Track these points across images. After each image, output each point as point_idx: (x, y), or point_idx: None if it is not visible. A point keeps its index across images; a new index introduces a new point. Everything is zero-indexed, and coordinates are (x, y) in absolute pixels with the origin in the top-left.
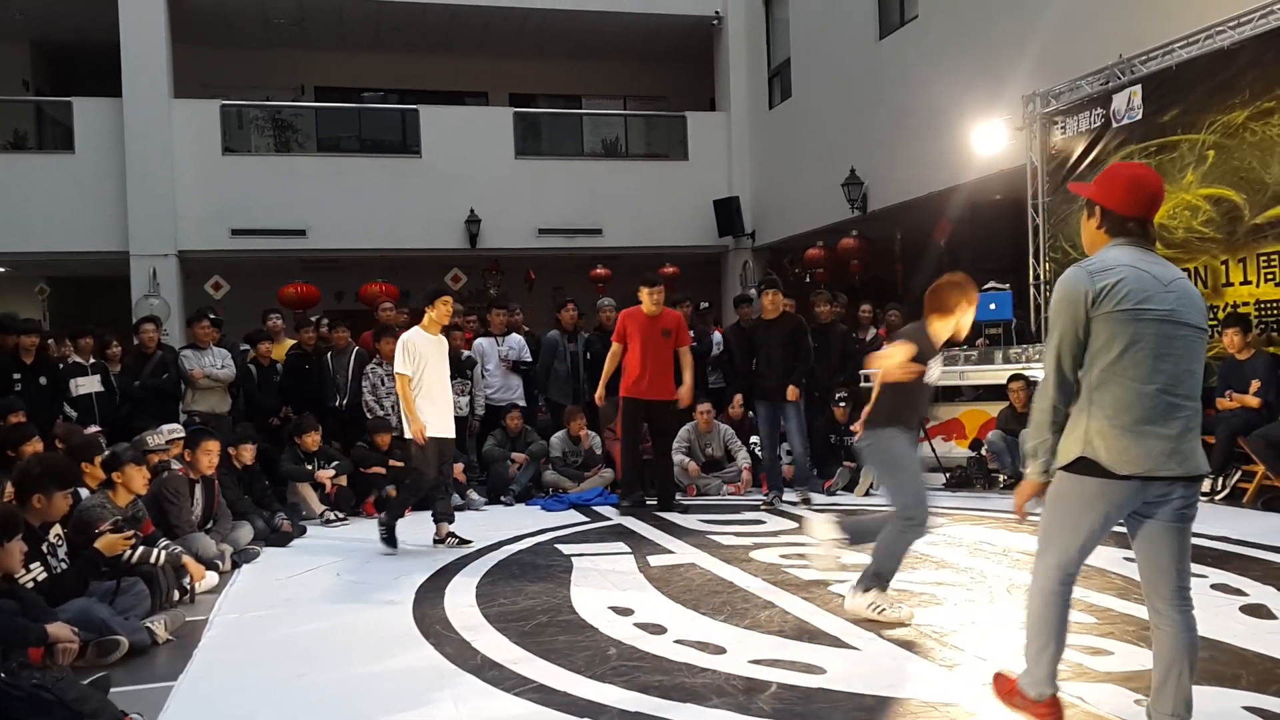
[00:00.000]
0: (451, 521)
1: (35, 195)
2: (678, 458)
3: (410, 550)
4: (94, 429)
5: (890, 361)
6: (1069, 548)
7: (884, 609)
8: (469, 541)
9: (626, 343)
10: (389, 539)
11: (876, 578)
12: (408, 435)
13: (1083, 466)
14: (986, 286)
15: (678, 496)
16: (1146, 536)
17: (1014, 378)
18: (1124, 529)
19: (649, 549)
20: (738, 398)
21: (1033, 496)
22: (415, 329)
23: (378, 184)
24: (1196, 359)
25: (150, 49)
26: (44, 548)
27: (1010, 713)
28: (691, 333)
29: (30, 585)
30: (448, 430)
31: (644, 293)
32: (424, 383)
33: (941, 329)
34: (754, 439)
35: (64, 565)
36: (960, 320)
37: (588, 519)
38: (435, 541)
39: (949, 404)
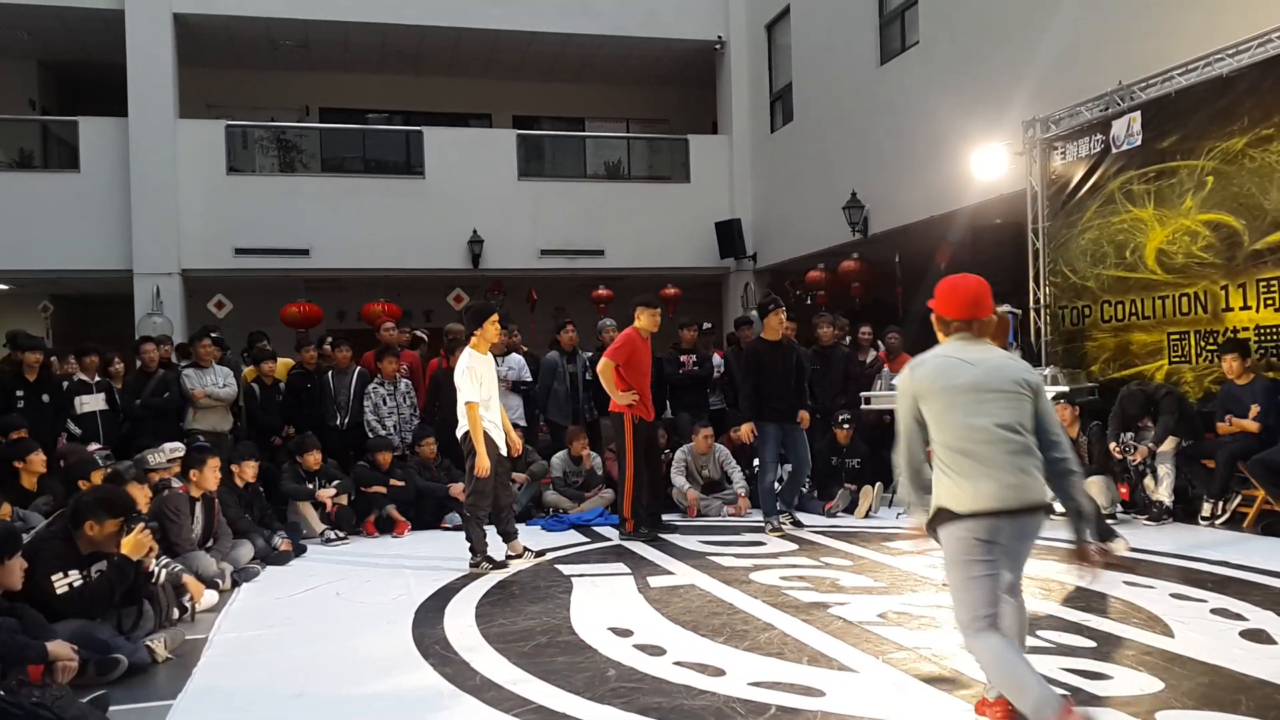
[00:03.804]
0: (516, 535)
1: (40, 213)
2: (677, 481)
3: (410, 569)
4: (95, 447)
5: None
6: (973, 598)
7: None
8: (543, 553)
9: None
10: (488, 561)
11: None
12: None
13: (943, 516)
14: (998, 310)
15: (676, 516)
16: (1004, 552)
17: (1054, 398)
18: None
19: (649, 570)
20: (747, 425)
21: (919, 536)
22: (469, 351)
23: (381, 204)
24: (1010, 412)
25: (156, 69)
26: (92, 571)
27: None
28: (693, 355)
29: (65, 590)
30: (505, 449)
31: (646, 314)
32: (486, 406)
33: None
34: (757, 461)
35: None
36: None
37: (588, 539)
38: (509, 558)
39: None
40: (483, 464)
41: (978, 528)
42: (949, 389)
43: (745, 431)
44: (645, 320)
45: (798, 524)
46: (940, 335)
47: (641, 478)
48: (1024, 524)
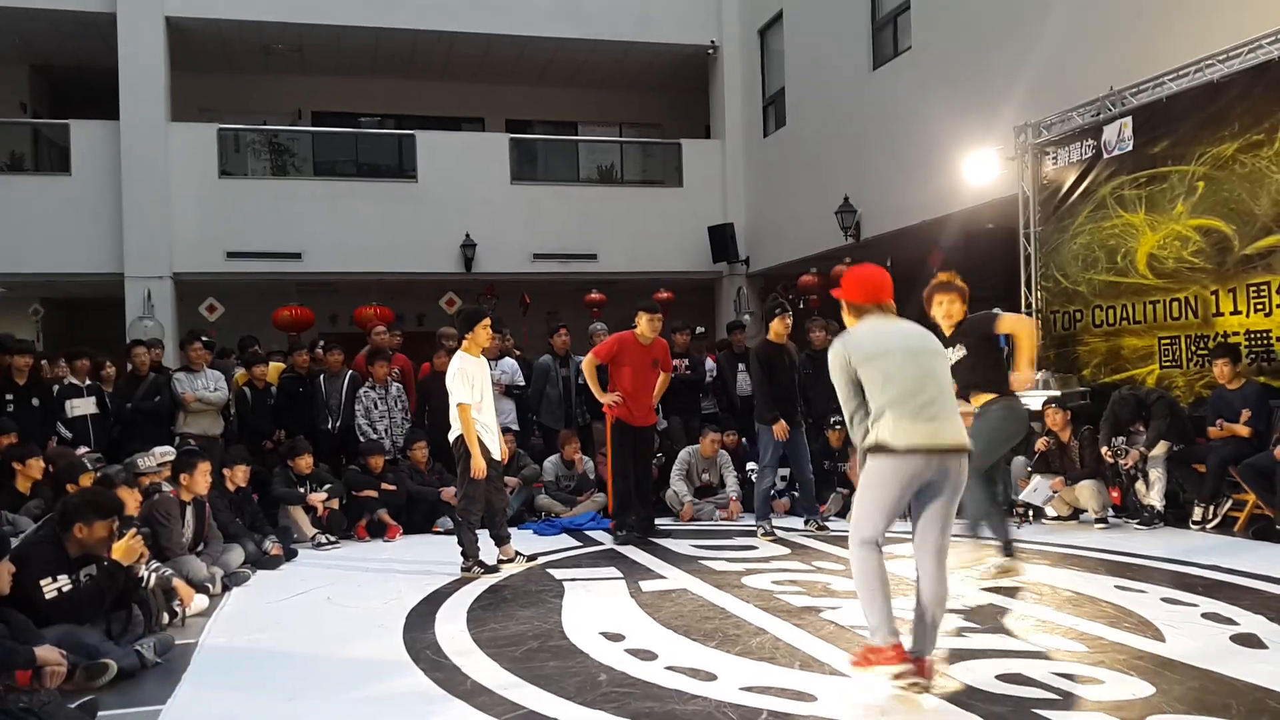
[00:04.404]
0: (509, 540)
1: (31, 217)
2: (677, 486)
3: (402, 574)
4: (85, 450)
5: None
6: (873, 521)
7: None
8: (534, 558)
9: (609, 363)
10: (479, 565)
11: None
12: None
13: (880, 449)
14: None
15: (668, 520)
16: (925, 505)
17: (1046, 402)
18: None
19: (641, 574)
20: (780, 425)
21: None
22: (461, 354)
23: (373, 208)
24: (939, 367)
25: (148, 73)
26: (82, 576)
27: (871, 674)
28: (686, 360)
29: (53, 595)
30: (498, 453)
31: (645, 319)
32: (479, 409)
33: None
34: (750, 465)
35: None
36: (934, 314)
37: (580, 544)
38: (501, 562)
39: None
40: (478, 465)
41: (908, 464)
42: (889, 350)
43: (780, 431)
44: (643, 325)
45: (822, 527)
46: (852, 319)
47: (622, 479)
48: (948, 461)
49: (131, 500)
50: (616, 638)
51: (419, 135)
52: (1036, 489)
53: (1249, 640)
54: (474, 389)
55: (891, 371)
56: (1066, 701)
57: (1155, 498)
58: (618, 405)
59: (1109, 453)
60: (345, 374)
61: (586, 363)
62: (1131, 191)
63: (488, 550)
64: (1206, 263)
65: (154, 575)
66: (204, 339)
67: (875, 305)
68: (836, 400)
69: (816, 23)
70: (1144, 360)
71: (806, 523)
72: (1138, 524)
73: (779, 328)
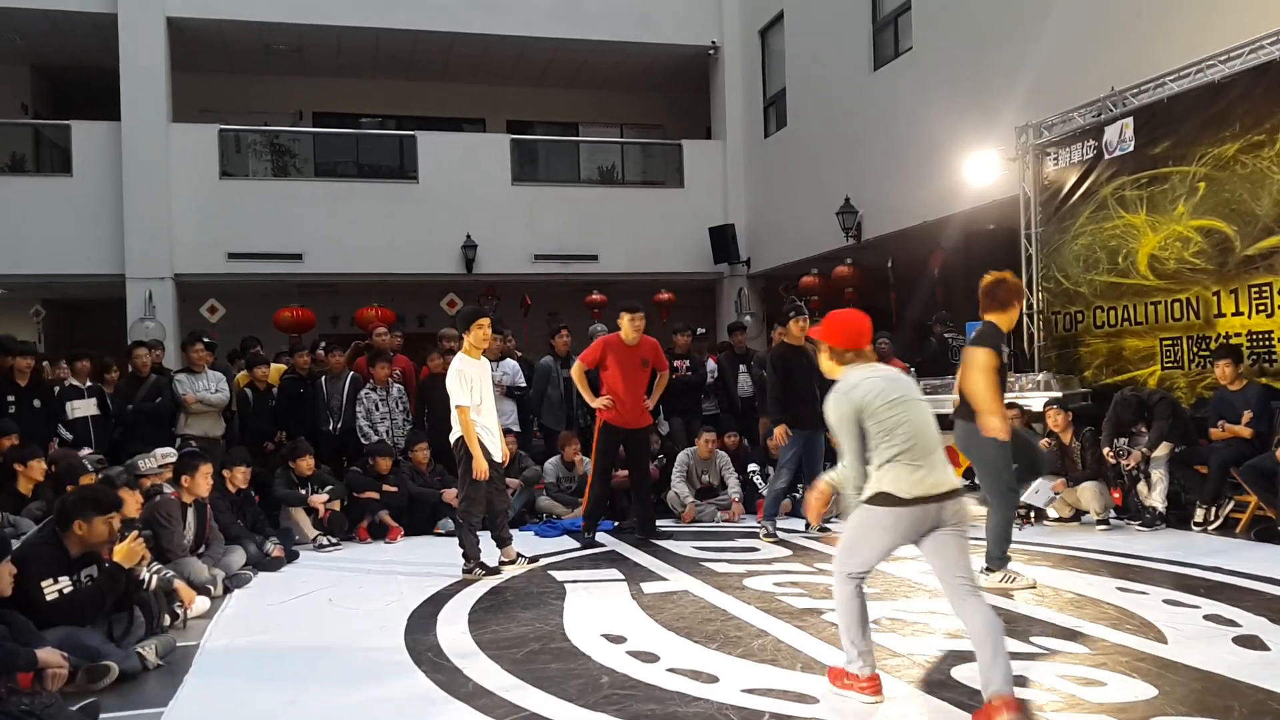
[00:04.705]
0: (511, 541)
1: (32, 217)
2: (677, 487)
3: (403, 575)
4: (86, 452)
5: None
6: (865, 562)
7: (1013, 579)
8: (536, 559)
9: (598, 367)
10: (481, 567)
11: (999, 560)
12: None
13: (881, 500)
14: None
15: (669, 522)
16: (937, 548)
17: (1047, 403)
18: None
19: (642, 576)
20: (780, 429)
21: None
22: (460, 356)
23: (375, 209)
24: (928, 412)
25: (149, 74)
26: (83, 577)
27: (842, 692)
28: (687, 361)
29: (54, 597)
30: (499, 455)
31: (625, 320)
32: (478, 411)
33: (1004, 322)
34: (752, 466)
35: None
36: (1014, 316)
37: (581, 545)
38: (503, 564)
39: (943, 432)
40: (480, 466)
41: (911, 513)
42: (891, 401)
43: (779, 434)
44: (625, 326)
45: (824, 529)
46: (834, 363)
47: (600, 483)
48: (946, 506)
49: (133, 502)
50: (618, 640)
51: (420, 136)
52: (1038, 490)
53: (1251, 642)
54: (473, 391)
55: (899, 420)
56: (1069, 703)
57: (1157, 499)
58: (609, 409)
59: (1111, 454)
60: (346, 375)
61: (575, 370)
62: (1133, 192)
63: (489, 552)
64: (1208, 263)
65: (155, 577)
66: (205, 340)
67: (856, 351)
68: None
69: (817, 23)
70: (1145, 361)
71: (808, 525)
72: (1139, 525)
73: (796, 329)
